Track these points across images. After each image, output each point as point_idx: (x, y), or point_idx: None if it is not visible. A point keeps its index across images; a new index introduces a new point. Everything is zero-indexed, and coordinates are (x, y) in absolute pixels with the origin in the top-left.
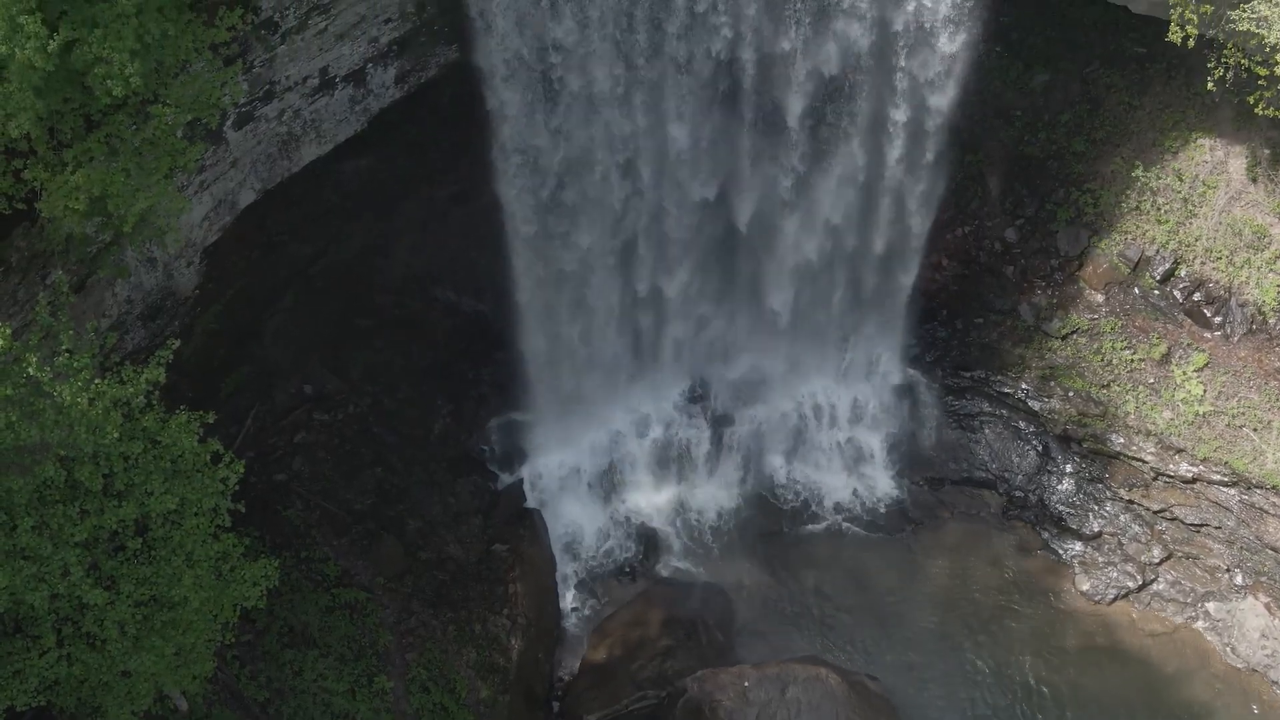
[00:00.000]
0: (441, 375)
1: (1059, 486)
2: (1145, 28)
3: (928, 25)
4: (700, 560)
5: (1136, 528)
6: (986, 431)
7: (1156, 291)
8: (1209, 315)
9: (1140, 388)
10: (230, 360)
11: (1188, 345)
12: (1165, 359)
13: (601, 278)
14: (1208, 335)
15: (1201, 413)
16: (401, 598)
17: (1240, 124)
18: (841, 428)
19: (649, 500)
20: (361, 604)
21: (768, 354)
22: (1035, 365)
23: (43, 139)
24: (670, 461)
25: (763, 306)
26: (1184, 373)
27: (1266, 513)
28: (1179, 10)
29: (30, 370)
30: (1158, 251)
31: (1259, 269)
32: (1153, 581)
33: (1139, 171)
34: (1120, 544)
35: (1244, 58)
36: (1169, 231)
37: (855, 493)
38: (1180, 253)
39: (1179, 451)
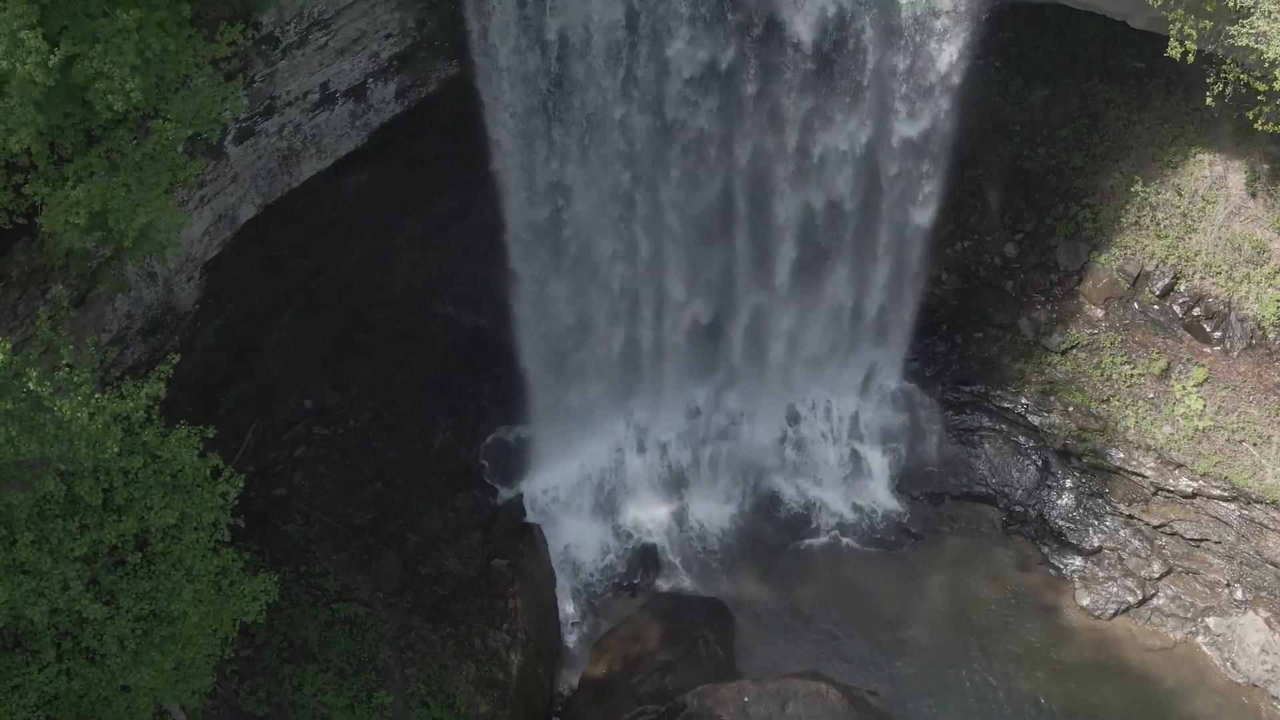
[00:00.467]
0: (441, 390)
1: (1059, 501)
2: (1144, 43)
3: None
4: (700, 575)
5: (1136, 543)
6: (986, 446)
7: (1156, 306)
8: (1209, 330)
9: (1140, 403)
10: (230, 375)
11: (1187, 360)
12: (1165, 374)
13: (601, 291)
14: (1207, 350)
15: (1201, 428)
16: (401, 613)
17: (1239, 139)
18: (842, 442)
19: (649, 515)
20: (361, 619)
21: (768, 368)
22: (1035, 380)
23: (43, 154)
24: (670, 476)
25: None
26: (1184, 388)
27: (1266, 528)
28: (1178, 26)
29: (30, 385)
30: (1157, 266)
31: (1258, 284)
32: (1153, 596)
33: (1138, 186)
34: (1120, 559)
35: (1243, 73)
36: (1168, 246)
37: (855, 507)
38: (1180, 268)
39: (1179, 466)
